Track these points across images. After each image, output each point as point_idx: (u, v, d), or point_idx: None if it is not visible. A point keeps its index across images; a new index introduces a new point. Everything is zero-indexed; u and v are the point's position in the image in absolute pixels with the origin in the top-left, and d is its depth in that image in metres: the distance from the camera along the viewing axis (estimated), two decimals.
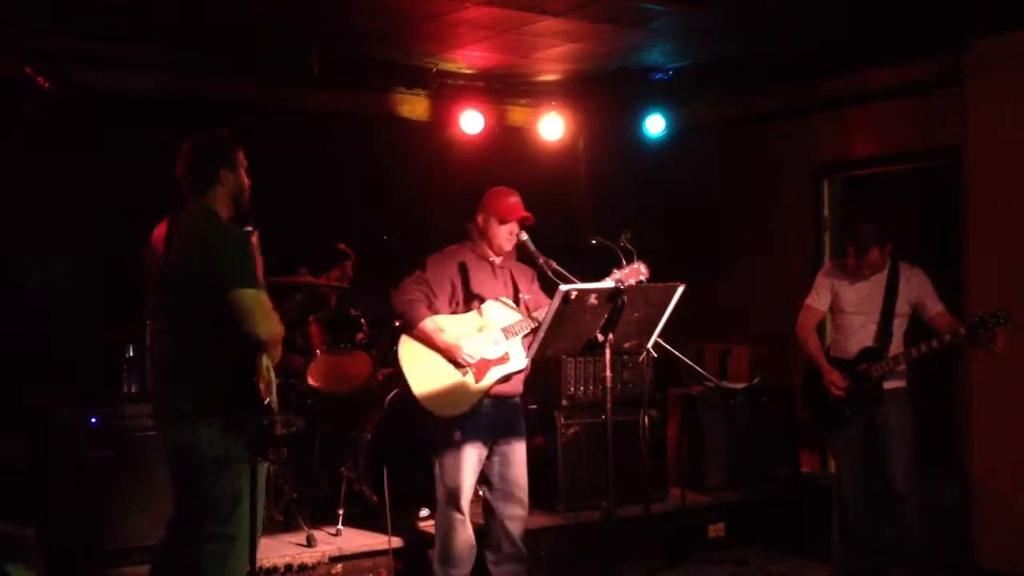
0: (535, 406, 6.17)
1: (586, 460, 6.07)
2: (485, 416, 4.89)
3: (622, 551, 5.42)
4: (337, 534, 5.44)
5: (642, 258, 4.70)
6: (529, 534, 5.68)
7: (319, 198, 7.02)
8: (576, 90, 7.58)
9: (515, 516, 5.00)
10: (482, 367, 4.83)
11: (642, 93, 7.67)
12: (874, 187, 7.36)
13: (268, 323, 3.66)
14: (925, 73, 6.54)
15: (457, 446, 4.86)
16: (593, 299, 4.28)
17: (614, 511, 4.57)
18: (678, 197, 8.18)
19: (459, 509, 4.90)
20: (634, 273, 4.68)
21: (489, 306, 4.91)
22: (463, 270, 4.94)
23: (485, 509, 5.09)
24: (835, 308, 5.67)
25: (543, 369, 6.04)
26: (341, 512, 5.49)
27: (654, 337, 4.63)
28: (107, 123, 6.14)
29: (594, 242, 4.74)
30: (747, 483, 6.73)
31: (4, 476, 5.01)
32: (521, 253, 5.01)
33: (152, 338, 4.99)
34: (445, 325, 4.84)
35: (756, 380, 7.07)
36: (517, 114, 7.96)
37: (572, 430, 6.12)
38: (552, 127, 7.67)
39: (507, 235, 4.92)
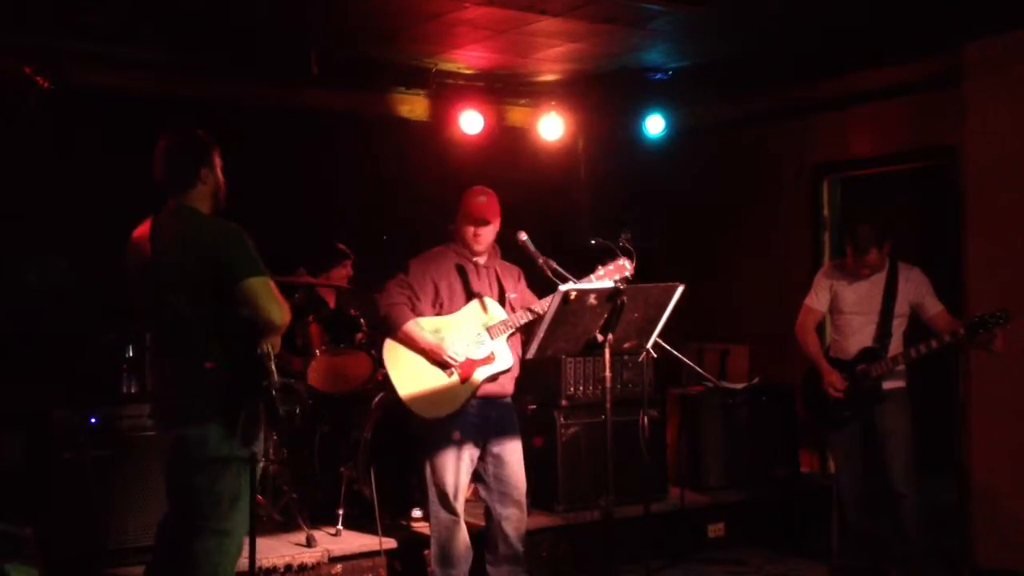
0: (534, 406, 6.18)
1: (586, 460, 6.07)
2: (474, 416, 4.89)
3: (621, 551, 5.42)
4: (336, 534, 5.44)
5: (642, 258, 4.69)
6: (529, 534, 5.67)
7: (318, 198, 7.02)
8: (576, 90, 7.59)
9: (511, 517, 4.99)
10: (467, 367, 4.84)
11: (642, 93, 7.67)
12: (873, 187, 7.36)
13: (279, 308, 3.70)
14: (924, 73, 6.55)
15: (446, 447, 4.86)
16: (592, 299, 4.28)
17: (613, 511, 4.56)
18: (678, 197, 8.19)
19: (451, 510, 4.90)
20: (619, 269, 4.67)
21: (473, 306, 4.91)
22: (446, 271, 4.94)
23: (485, 510, 5.09)
24: (834, 308, 5.68)
25: (543, 369, 6.04)
26: (341, 512, 5.49)
27: (653, 337, 4.63)
28: (107, 123, 6.14)
29: (593, 242, 4.74)
30: (747, 483, 6.73)
31: (4, 476, 5.02)
32: (520, 253, 5.01)
33: (149, 338, 4.98)
34: (429, 327, 4.85)
35: (755, 380, 7.07)
36: (516, 114, 7.97)
37: (572, 430, 6.12)
38: (552, 127, 7.67)
39: (472, 235, 4.94)
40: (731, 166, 7.99)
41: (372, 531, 5.38)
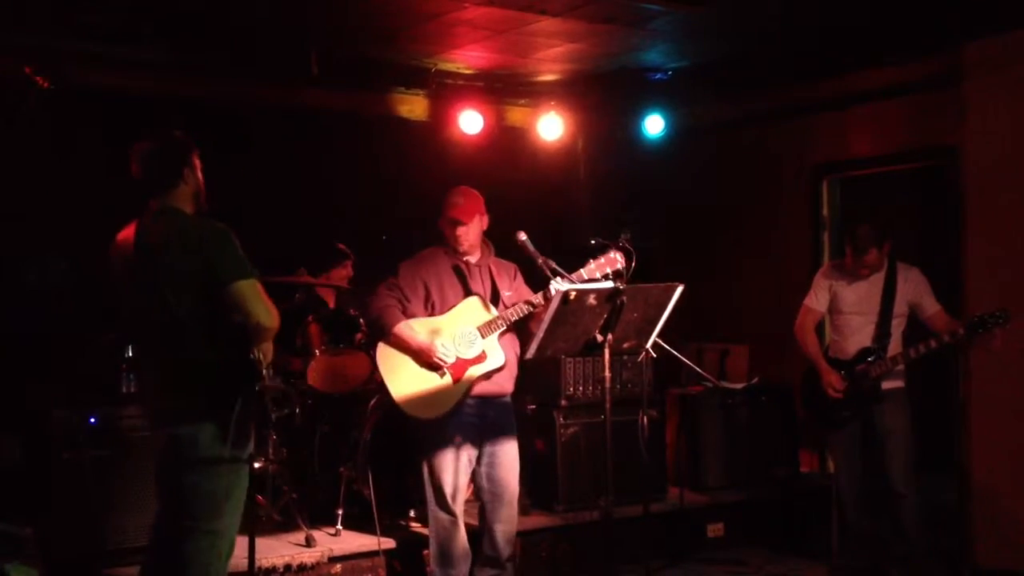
0: (534, 406, 6.18)
1: (585, 460, 6.07)
2: (470, 416, 4.90)
3: (621, 551, 5.42)
4: (336, 534, 5.45)
5: (642, 258, 4.69)
6: (528, 534, 5.70)
7: (318, 198, 7.02)
8: (575, 90, 7.59)
9: (501, 518, 5.00)
10: (459, 367, 4.84)
11: (641, 93, 7.67)
12: (873, 187, 7.36)
13: (267, 311, 3.69)
14: (924, 73, 6.54)
15: (444, 448, 4.87)
16: (592, 299, 4.28)
17: (613, 511, 4.56)
18: (677, 197, 8.19)
19: (449, 511, 4.91)
20: (610, 262, 4.67)
21: (464, 305, 4.91)
22: (436, 272, 4.95)
23: (479, 509, 5.10)
24: (833, 308, 5.68)
25: (542, 369, 6.04)
26: (340, 512, 5.49)
27: (653, 337, 4.63)
28: (107, 123, 6.14)
29: (593, 242, 4.74)
30: (746, 483, 6.73)
31: (3, 476, 5.02)
32: (520, 253, 5.02)
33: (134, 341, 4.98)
34: (420, 327, 4.86)
35: (755, 380, 7.07)
36: (516, 114, 7.97)
37: (571, 430, 6.12)
38: (551, 127, 7.67)
39: (452, 236, 4.95)
40: (731, 166, 7.99)
41: (371, 531, 5.38)
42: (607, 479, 4.52)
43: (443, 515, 4.92)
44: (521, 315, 4.84)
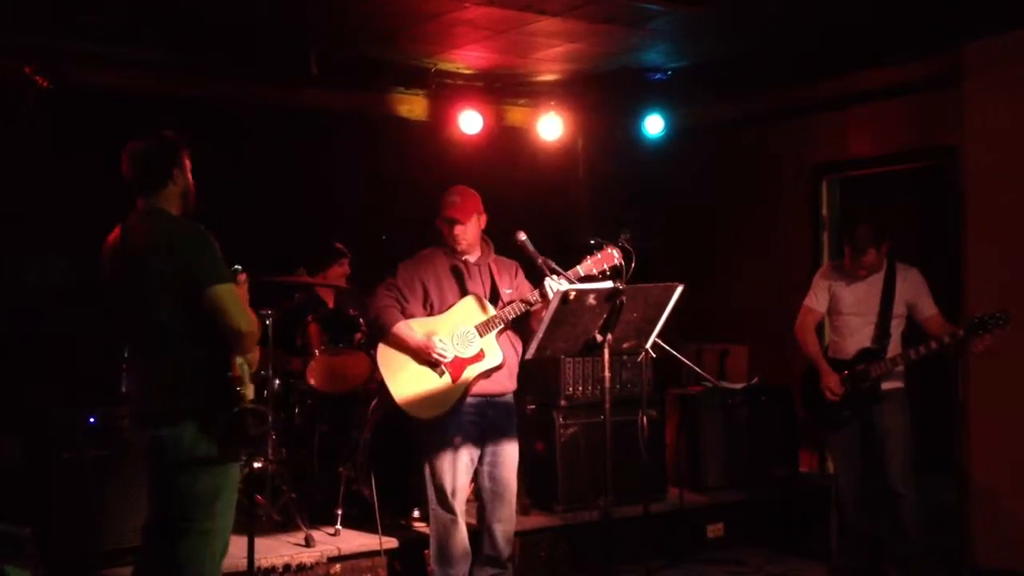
0: (533, 406, 6.18)
1: (585, 460, 6.07)
2: (471, 415, 4.90)
3: (621, 551, 5.42)
4: (335, 534, 5.44)
5: (641, 258, 4.69)
6: (528, 534, 5.70)
7: (318, 198, 7.03)
8: (575, 90, 7.59)
9: (501, 517, 5.01)
10: (457, 366, 4.85)
11: (641, 93, 7.67)
12: (872, 187, 7.36)
13: (245, 316, 3.66)
14: (923, 73, 6.55)
15: (445, 447, 4.87)
16: (592, 299, 4.28)
17: (612, 511, 4.56)
18: (677, 197, 8.19)
19: (450, 510, 4.91)
20: (607, 258, 4.67)
21: (462, 305, 4.92)
22: (434, 272, 4.96)
23: (477, 509, 5.11)
24: (833, 309, 5.68)
25: (542, 370, 6.04)
26: (339, 512, 5.49)
27: (653, 337, 4.63)
28: (106, 123, 6.14)
29: (593, 242, 4.74)
30: (746, 483, 6.73)
31: (3, 476, 5.02)
32: (520, 252, 5.02)
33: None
34: (418, 327, 4.87)
35: (755, 380, 7.07)
36: (516, 114, 7.97)
37: (571, 430, 6.12)
38: (551, 127, 7.67)
39: (448, 235, 4.96)
40: (730, 166, 7.99)
41: (371, 531, 5.39)
42: (607, 479, 4.51)
43: (444, 514, 4.92)
44: (518, 313, 4.85)
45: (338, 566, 5.28)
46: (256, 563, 4.57)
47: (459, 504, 4.93)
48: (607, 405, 4.50)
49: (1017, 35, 5.74)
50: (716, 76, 7.24)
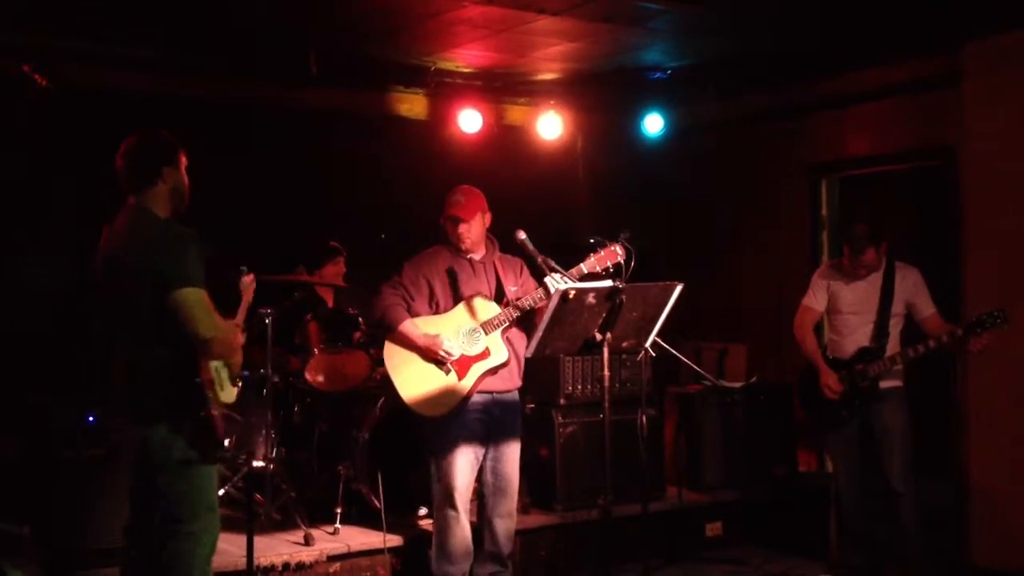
0: (532, 405, 6.18)
1: (584, 459, 6.07)
2: (477, 413, 4.92)
3: (619, 550, 5.42)
4: (335, 533, 5.45)
5: (640, 257, 4.69)
6: (527, 533, 5.70)
7: (317, 197, 7.02)
8: (574, 89, 7.59)
9: (503, 513, 5.05)
10: (463, 364, 4.87)
11: (640, 92, 7.67)
12: (871, 186, 7.36)
13: (210, 322, 3.63)
14: (922, 73, 6.54)
15: (451, 445, 4.89)
16: (591, 298, 4.29)
17: (612, 510, 4.56)
18: (676, 196, 8.18)
19: (454, 507, 4.92)
20: (610, 255, 4.69)
21: (467, 303, 4.94)
22: (440, 270, 4.98)
23: (478, 506, 5.11)
24: (832, 308, 5.68)
25: (541, 368, 6.04)
26: (339, 511, 5.50)
27: (652, 336, 4.63)
28: (106, 122, 6.13)
29: (592, 241, 4.74)
30: (744, 482, 6.74)
31: (2, 475, 5.02)
32: (520, 251, 5.02)
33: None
34: (424, 325, 4.88)
35: (753, 379, 7.08)
36: (515, 113, 7.96)
37: (570, 429, 6.13)
38: (550, 126, 7.67)
39: (453, 234, 4.98)
40: (729, 165, 7.98)
41: (370, 529, 5.39)
42: (606, 478, 4.51)
43: (448, 512, 4.94)
44: (522, 311, 4.86)
45: (337, 565, 5.29)
46: (255, 562, 4.58)
47: (463, 502, 4.95)
48: (606, 404, 4.50)
49: (1017, 35, 5.75)
50: (715, 75, 7.25)
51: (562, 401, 6.14)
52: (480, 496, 5.12)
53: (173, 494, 3.67)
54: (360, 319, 5.88)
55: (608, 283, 4.39)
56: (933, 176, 6.75)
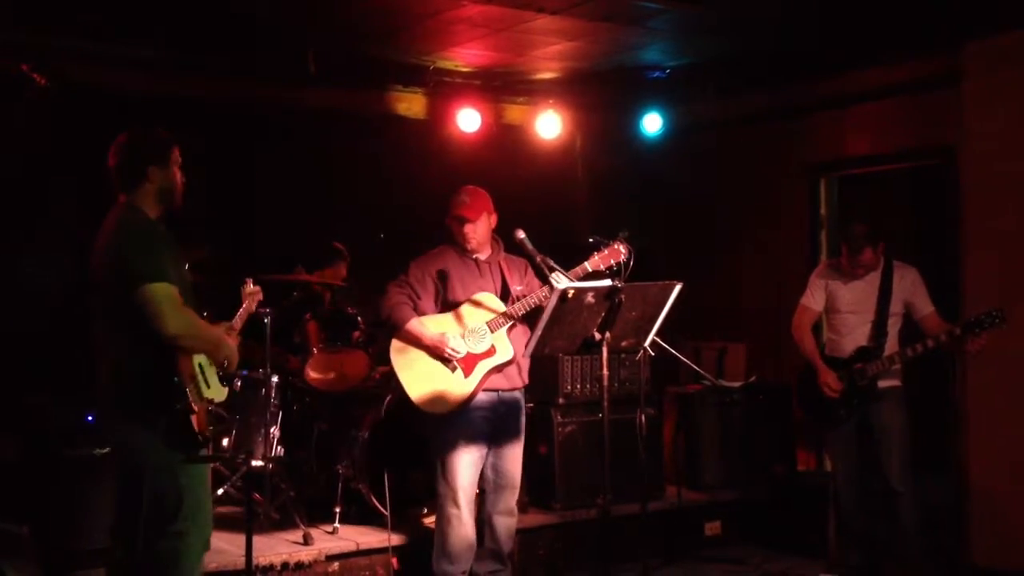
0: (531, 404, 6.17)
1: (583, 458, 6.08)
2: (482, 411, 4.93)
3: (618, 549, 5.43)
4: (334, 532, 5.45)
5: (639, 257, 4.69)
6: (526, 532, 5.70)
7: (317, 196, 7.02)
8: (573, 88, 7.59)
9: (504, 510, 5.06)
10: (469, 361, 4.88)
11: (639, 91, 7.67)
12: (871, 186, 7.36)
13: (178, 319, 3.61)
14: (922, 72, 6.54)
15: (456, 444, 4.91)
16: (590, 297, 4.29)
17: (611, 509, 4.56)
18: (675, 195, 8.18)
19: (457, 505, 4.93)
20: (613, 254, 4.69)
21: (473, 302, 4.95)
22: (446, 270, 5.00)
23: (478, 504, 5.11)
24: (830, 308, 5.68)
25: (540, 368, 6.04)
26: (338, 510, 5.50)
27: (651, 336, 4.63)
28: (105, 122, 6.12)
29: (592, 240, 4.75)
30: (743, 481, 6.74)
31: (1, 474, 5.02)
32: (520, 250, 5.03)
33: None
34: (431, 324, 4.90)
35: (752, 379, 7.08)
36: (514, 112, 7.97)
37: (569, 428, 6.13)
38: (549, 125, 7.68)
39: (459, 233, 4.99)
40: (729, 164, 7.98)
41: (368, 528, 5.39)
42: (605, 477, 4.51)
43: (452, 510, 4.95)
44: (528, 309, 4.87)
45: (336, 564, 5.29)
46: (254, 561, 4.58)
47: (467, 500, 4.96)
48: (605, 403, 4.50)
49: (1017, 35, 5.75)
50: (714, 74, 7.24)
51: (561, 400, 6.14)
52: (481, 493, 5.13)
53: (158, 493, 3.65)
54: (359, 318, 5.88)
55: (607, 282, 4.39)
56: (932, 176, 6.76)
